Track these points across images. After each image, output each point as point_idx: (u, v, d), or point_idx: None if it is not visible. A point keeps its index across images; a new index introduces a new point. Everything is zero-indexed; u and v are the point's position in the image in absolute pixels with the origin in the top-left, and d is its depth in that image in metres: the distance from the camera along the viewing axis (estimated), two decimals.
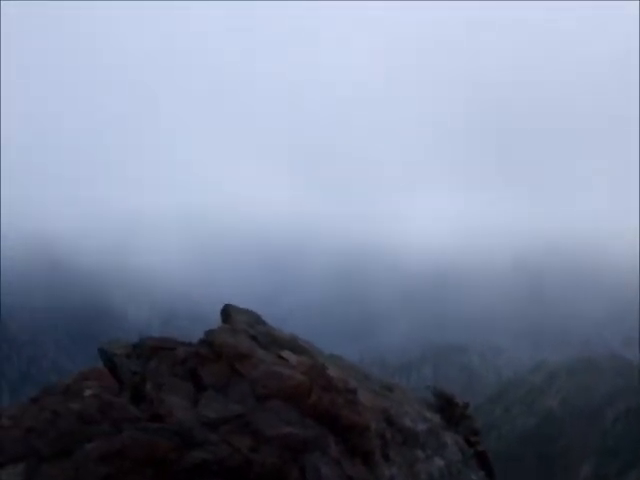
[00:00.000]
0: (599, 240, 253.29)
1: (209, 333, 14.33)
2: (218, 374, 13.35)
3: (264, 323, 16.06)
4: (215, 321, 16.00)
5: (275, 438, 12.26)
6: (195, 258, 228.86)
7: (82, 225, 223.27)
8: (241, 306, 16.44)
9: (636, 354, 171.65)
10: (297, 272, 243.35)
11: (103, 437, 11.73)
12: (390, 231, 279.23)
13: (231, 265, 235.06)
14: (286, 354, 14.51)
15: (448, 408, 19.41)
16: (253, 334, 14.87)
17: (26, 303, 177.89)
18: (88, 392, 13.26)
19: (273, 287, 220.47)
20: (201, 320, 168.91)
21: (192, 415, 12.30)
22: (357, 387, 14.81)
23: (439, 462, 16.49)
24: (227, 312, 15.81)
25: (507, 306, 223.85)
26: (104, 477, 11.18)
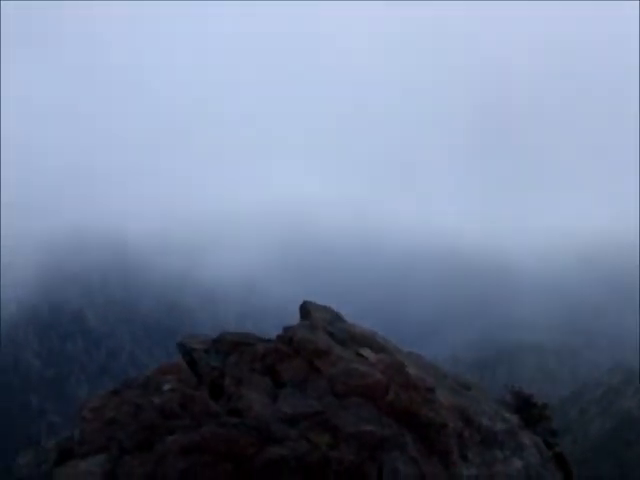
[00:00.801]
0: None
1: (288, 329, 14.36)
2: (297, 370, 13.37)
3: (343, 320, 15.99)
4: (291, 317, 15.98)
5: (353, 435, 12.20)
6: (273, 256, 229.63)
7: (162, 223, 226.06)
8: (319, 302, 16.39)
9: None
10: (367, 271, 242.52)
11: (183, 431, 11.85)
12: (453, 230, 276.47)
13: (310, 263, 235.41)
14: (365, 351, 14.43)
15: (526, 408, 19.12)
16: (331, 331, 14.83)
17: (105, 298, 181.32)
18: (167, 386, 13.40)
19: (348, 283, 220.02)
20: (278, 317, 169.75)
21: (271, 411, 12.33)
22: (435, 385, 14.65)
23: (517, 463, 16.22)
24: (306, 309, 15.78)
25: (584, 306, 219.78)
26: (184, 470, 11.29)
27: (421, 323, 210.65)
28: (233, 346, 14.08)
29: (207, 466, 11.35)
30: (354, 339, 14.96)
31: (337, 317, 15.95)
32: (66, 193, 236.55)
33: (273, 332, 15.19)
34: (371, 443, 12.23)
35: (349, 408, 12.72)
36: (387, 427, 12.69)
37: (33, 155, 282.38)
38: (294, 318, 15.92)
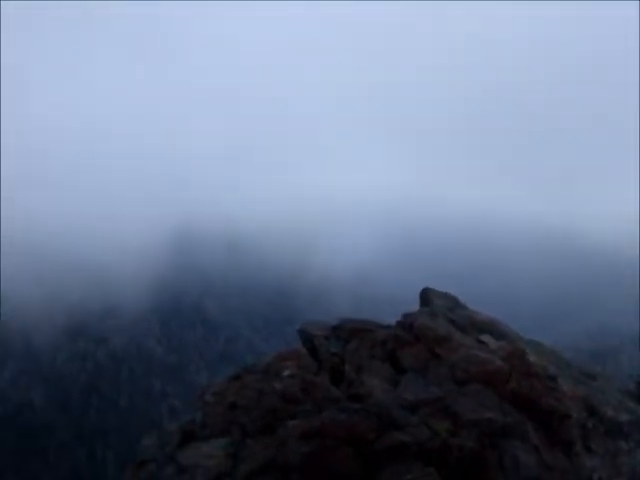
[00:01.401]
0: None
1: (408, 316, 14.30)
2: (417, 357, 13.31)
3: (463, 306, 15.83)
4: (406, 305, 15.87)
5: (474, 423, 12.07)
6: (386, 243, 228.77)
7: (275, 213, 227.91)
8: (438, 289, 16.27)
9: None
10: (494, 253, 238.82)
11: (305, 416, 11.97)
12: (581, 215, 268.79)
13: (422, 249, 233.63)
14: (485, 338, 14.25)
15: None
16: (452, 317, 14.71)
17: (224, 289, 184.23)
18: (287, 372, 13.55)
19: (470, 268, 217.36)
20: (393, 304, 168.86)
21: (391, 397, 12.32)
22: (557, 374, 14.36)
23: None
24: (426, 295, 15.70)
25: None
26: (305, 454, 11.39)
27: (539, 311, 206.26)
28: (353, 333, 14.14)
29: (328, 451, 11.43)
30: (475, 326, 14.80)
31: (457, 303, 15.80)
32: (185, 184, 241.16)
33: (389, 320, 15.15)
34: (492, 431, 12.09)
35: (469, 395, 12.60)
36: (508, 415, 12.51)
37: (145, 146, 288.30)
38: (409, 306, 15.84)
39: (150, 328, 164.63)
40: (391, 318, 15.15)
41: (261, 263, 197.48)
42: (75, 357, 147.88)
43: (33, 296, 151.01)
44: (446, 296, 16.01)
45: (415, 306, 15.91)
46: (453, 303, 15.69)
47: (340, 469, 11.30)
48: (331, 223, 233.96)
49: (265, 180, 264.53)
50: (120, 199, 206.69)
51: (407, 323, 14.11)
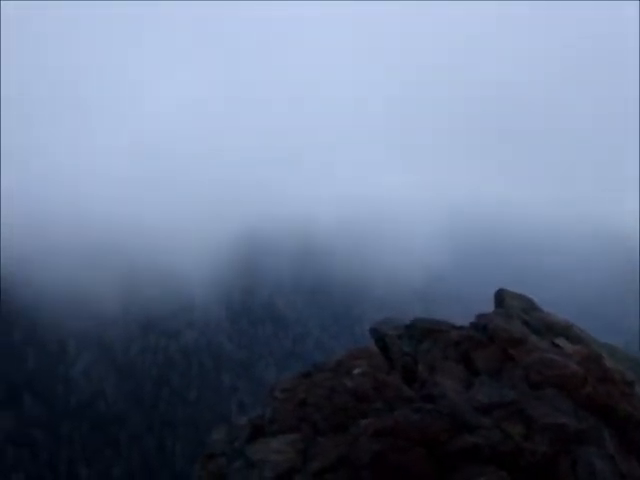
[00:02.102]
0: None
1: (482, 317, 14.11)
2: (491, 359, 13.13)
3: (538, 308, 15.57)
4: (474, 304, 15.71)
5: (548, 427, 11.84)
6: (453, 244, 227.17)
7: (348, 211, 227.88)
8: (511, 290, 16.04)
9: None
10: (562, 255, 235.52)
11: (377, 414, 11.93)
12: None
13: (487, 249, 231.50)
14: (561, 342, 13.98)
15: None
16: (527, 319, 14.47)
17: (294, 286, 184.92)
18: (358, 370, 13.53)
19: (540, 269, 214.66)
20: (459, 302, 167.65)
21: (464, 398, 12.19)
22: (635, 380, 14.03)
23: None
24: (501, 297, 15.48)
25: None
26: (376, 453, 11.35)
27: (610, 312, 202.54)
28: (426, 333, 14.03)
29: (399, 450, 11.37)
30: (550, 328, 14.54)
31: (532, 305, 15.54)
32: (258, 182, 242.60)
33: (458, 320, 15.03)
34: (566, 436, 11.82)
35: (544, 399, 12.38)
36: (583, 420, 12.24)
37: (213, 147, 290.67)
38: (478, 306, 15.67)
39: (221, 324, 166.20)
40: (461, 318, 15.02)
41: (331, 262, 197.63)
42: (147, 351, 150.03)
43: (110, 291, 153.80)
44: (521, 298, 15.75)
45: (485, 306, 15.73)
46: (528, 305, 15.44)
47: (411, 469, 11.23)
48: (399, 223, 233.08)
49: (334, 181, 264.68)
50: (195, 200, 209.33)
51: (481, 324, 13.94)
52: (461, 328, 14.25)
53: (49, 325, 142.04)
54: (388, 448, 11.35)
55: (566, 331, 14.71)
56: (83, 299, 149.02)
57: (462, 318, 14.99)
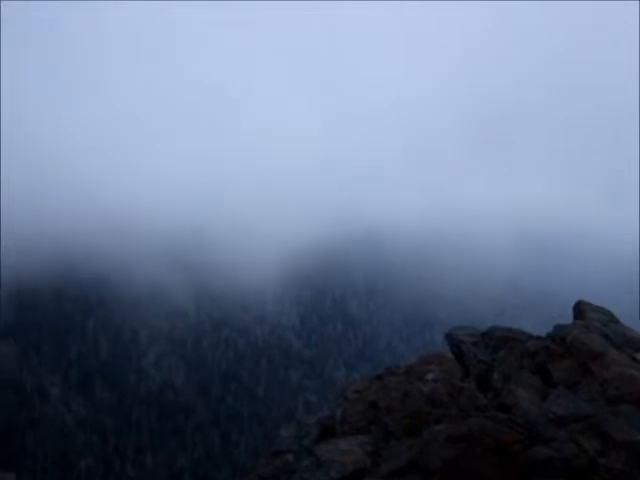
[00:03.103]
0: None
1: (560, 328, 13.90)
2: (568, 371, 12.93)
3: (618, 322, 15.26)
4: (546, 314, 15.50)
5: (624, 444, 11.58)
6: (528, 249, 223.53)
7: (418, 214, 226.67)
8: (592, 302, 15.74)
9: None
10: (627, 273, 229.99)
11: (451, 421, 11.88)
12: None
13: (564, 257, 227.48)
14: None
15: None
16: (606, 333, 14.20)
17: (367, 287, 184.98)
18: (430, 375, 13.48)
19: (618, 280, 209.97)
20: (533, 312, 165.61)
21: (539, 409, 12.04)
22: None
23: None
24: (580, 308, 15.20)
25: None
26: (449, 459, 11.31)
27: None
28: (502, 341, 13.90)
29: (472, 457, 11.31)
30: (630, 343, 14.21)
31: (612, 318, 15.22)
32: (341, 185, 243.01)
33: (533, 329, 14.85)
34: None
35: (621, 415, 12.13)
36: None
37: (276, 148, 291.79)
38: (553, 316, 15.44)
39: (291, 321, 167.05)
40: (535, 328, 14.84)
41: (404, 264, 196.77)
42: (217, 345, 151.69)
43: (183, 286, 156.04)
44: (601, 310, 15.43)
45: (560, 317, 15.52)
46: (608, 317, 15.12)
47: (482, 477, 11.16)
48: (474, 229, 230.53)
49: (407, 182, 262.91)
50: (272, 199, 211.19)
51: (559, 335, 13.74)
52: (538, 338, 14.08)
53: (123, 316, 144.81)
54: (460, 455, 11.29)
55: None
56: (157, 293, 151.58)
57: (536, 328, 14.82)
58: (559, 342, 13.47)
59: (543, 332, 14.45)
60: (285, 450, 14.03)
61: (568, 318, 15.66)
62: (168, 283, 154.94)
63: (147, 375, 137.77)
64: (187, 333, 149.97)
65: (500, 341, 13.93)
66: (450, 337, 14.47)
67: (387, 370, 14.76)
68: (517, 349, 13.52)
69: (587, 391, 12.50)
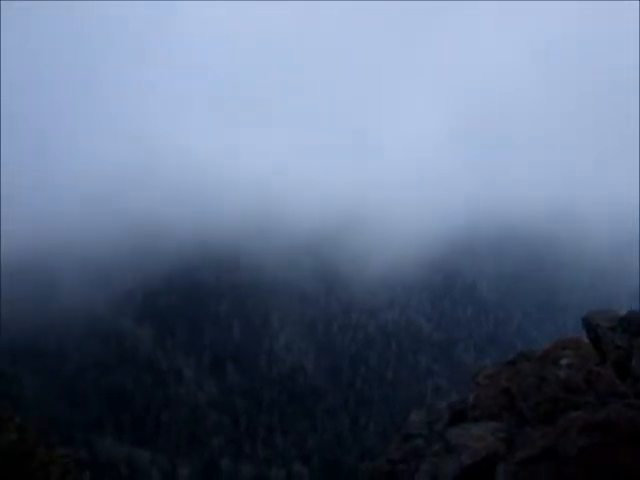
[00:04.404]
0: None
1: None
2: None
3: None
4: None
5: None
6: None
7: (545, 198, 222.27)
8: None
9: None
10: None
11: (588, 407, 11.57)
12: None
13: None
14: None
15: None
16: None
17: (496, 271, 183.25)
18: (565, 361, 13.15)
19: None
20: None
21: None
22: None
23: None
24: None
25: None
26: (584, 447, 11.01)
27: None
28: None
29: (608, 446, 10.97)
30: None
31: None
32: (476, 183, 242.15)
33: None
34: None
35: None
36: None
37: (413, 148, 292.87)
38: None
39: (421, 305, 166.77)
40: None
41: (533, 249, 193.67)
42: (347, 328, 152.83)
43: (312, 267, 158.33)
44: None
45: None
46: None
47: (620, 466, 10.83)
48: (605, 215, 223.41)
49: (535, 178, 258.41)
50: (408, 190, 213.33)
51: None
52: None
53: (255, 301, 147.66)
54: (597, 443, 10.98)
55: None
56: (288, 278, 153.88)
57: None
58: None
59: None
60: (415, 434, 13.96)
61: None
62: (298, 268, 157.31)
63: (278, 358, 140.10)
64: (317, 317, 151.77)
65: (639, 326, 13.46)
66: (586, 321, 14.04)
67: (521, 355, 14.47)
68: None
69: None
